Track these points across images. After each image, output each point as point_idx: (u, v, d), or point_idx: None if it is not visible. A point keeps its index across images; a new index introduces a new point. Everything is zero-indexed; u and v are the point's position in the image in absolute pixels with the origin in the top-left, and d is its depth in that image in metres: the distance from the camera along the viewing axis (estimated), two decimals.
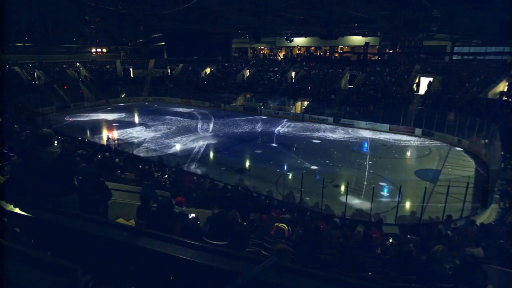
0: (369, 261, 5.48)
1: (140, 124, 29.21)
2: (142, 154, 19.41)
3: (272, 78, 37.66)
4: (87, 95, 37.63)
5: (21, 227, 2.44)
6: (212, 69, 42.97)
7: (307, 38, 41.23)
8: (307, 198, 14.36)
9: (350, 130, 27.28)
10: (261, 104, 34.39)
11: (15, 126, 15.03)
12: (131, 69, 44.91)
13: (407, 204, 14.07)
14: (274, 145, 23.34)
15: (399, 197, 13.30)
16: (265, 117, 32.63)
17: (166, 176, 13.51)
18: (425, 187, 13.43)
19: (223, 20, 19.85)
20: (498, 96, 25.09)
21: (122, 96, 40.68)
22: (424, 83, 29.95)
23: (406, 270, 4.62)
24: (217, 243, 4.27)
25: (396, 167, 18.77)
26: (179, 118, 31.43)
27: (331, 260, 4.86)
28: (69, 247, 2.20)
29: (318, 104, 31.10)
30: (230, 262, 1.75)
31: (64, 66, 40.31)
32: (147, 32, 22.52)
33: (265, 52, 49.32)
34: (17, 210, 2.30)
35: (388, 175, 17.44)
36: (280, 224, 7.08)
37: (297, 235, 7.02)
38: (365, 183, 16.18)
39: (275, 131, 26.97)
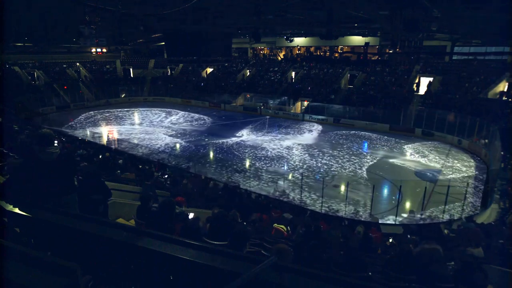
0: (369, 261, 5.48)
1: None
2: None
3: (272, 78, 37.66)
4: (87, 95, 37.62)
5: (21, 227, 2.44)
6: (212, 69, 42.98)
7: (307, 38, 41.25)
8: (308, 199, 14.37)
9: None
10: (261, 104, 34.39)
11: (14, 126, 15.03)
12: (131, 69, 44.89)
13: (407, 204, 14.07)
14: None
15: (399, 197, 13.30)
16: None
17: (166, 176, 13.51)
18: (425, 187, 13.43)
19: (223, 20, 19.84)
20: (498, 96, 25.09)
21: (122, 96, 40.67)
22: (424, 83, 29.94)
23: (406, 270, 4.61)
24: (217, 243, 4.27)
25: (396, 167, 18.76)
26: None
27: (331, 260, 4.85)
28: (69, 247, 2.20)
29: (318, 104, 31.11)
30: (230, 262, 1.75)
31: (64, 66, 40.29)
32: (147, 32, 22.47)
33: (265, 52, 49.33)
34: (17, 210, 2.30)
35: (388, 175, 17.44)
36: (278, 226, 7.07)
37: (297, 235, 7.02)
38: (365, 183, 16.18)
39: None
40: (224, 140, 23.76)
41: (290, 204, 12.88)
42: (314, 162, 19.26)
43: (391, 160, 19.83)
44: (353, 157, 20.32)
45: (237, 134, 25.61)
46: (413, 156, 20.87)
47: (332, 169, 18.32)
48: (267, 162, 19.22)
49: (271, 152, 21.15)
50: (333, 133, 26.41)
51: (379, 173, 17.67)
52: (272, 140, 24.09)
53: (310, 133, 26.41)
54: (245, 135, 25.43)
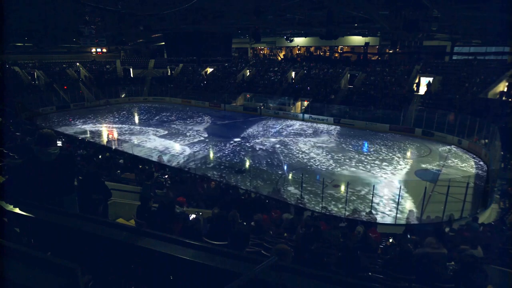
0: (369, 261, 5.48)
1: None
2: None
3: (272, 78, 37.66)
4: (87, 95, 37.64)
5: (21, 227, 2.43)
6: (212, 69, 42.97)
7: (307, 38, 41.19)
8: (312, 201, 14.36)
9: None
10: (261, 104, 34.40)
11: (10, 127, 15.03)
12: (131, 69, 44.92)
13: (407, 204, 14.06)
14: None
15: (399, 197, 13.30)
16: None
17: (166, 176, 13.50)
18: (425, 187, 13.42)
19: (223, 20, 19.83)
20: (498, 96, 25.08)
21: (122, 96, 40.70)
22: (424, 83, 29.96)
23: (406, 270, 4.62)
24: (217, 243, 4.28)
25: (396, 167, 18.74)
26: None
27: (331, 260, 4.86)
28: (69, 247, 2.20)
29: (318, 104, 31.10)
30: (230, 262, 1.75)
31: (64, 66, 40.32)
32: (147, 32, 22.48)
33: (265, 52, 49.31)
34: (17, 210, 2.30)
35: (388, 175, 17.43)
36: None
37: (297, 235, 7.01)
38: (364, 182, 16.17)
39: None
40: (226, 141, 23.71)
41: (290, 205, 12.87)
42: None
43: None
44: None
45: (240, 135, 25.38)
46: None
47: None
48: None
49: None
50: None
51: (378, 173, 17.62)
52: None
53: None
54: (250, 136, 25.17)
